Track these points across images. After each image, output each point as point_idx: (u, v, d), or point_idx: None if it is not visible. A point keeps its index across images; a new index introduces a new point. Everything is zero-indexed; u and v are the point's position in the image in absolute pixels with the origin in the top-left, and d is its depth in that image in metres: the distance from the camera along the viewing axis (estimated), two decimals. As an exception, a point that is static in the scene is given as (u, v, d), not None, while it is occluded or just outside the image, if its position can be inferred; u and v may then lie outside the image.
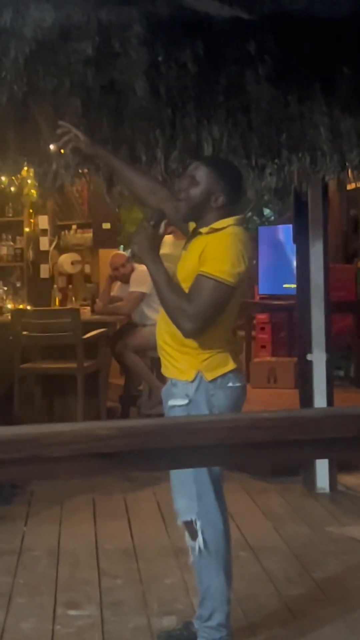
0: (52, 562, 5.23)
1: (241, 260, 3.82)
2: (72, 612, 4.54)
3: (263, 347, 10.68)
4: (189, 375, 3.88)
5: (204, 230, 3.88)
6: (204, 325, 3.79)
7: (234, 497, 6.20)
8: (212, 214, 3.89)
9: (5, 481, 5.91)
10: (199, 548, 3.89)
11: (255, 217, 13.15)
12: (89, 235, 11.29)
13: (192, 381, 3.87)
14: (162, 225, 3.97)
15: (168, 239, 6.53)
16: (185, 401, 3.87)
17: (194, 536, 3.91)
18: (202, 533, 3.89)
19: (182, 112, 5.13)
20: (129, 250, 4.07)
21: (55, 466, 1.59)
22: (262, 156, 5.15)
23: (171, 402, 3.95)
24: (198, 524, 3.89)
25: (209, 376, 3.88)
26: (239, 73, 5.29)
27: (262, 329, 10.74)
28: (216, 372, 3.89)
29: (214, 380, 3.88)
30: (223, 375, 3.90)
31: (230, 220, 3.90)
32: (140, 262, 4.00)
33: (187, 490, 3.91)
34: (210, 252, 3.80)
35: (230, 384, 3.92)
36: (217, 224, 3.87)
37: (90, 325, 8.04)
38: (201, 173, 3.91)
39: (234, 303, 3.92)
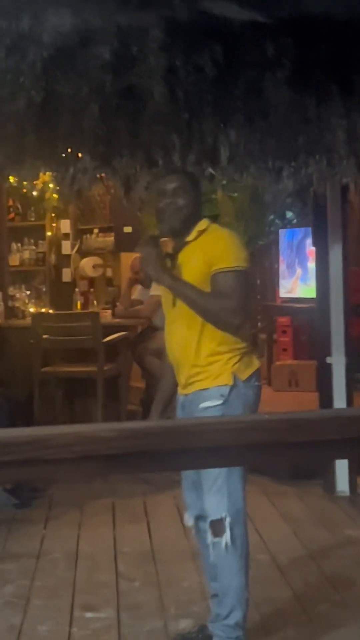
0: (71, 565, 5.26)
1: (242, 245, 4.06)
2: (88, 615, 4.56)
3: (284, 350, 10.67)
4: (226, 379, 3.94)
5: (191, 237, 4.02)
6: (245, 314, 3.98)
7: (254, 500, 6.19)
8: (194, 220, 4.05)
9: (21, 484, 5.95)
10: (226, 545, 3.89)
11: (277, 220, 13.11)
12: (110, 239, 11.33)
13: (231, 384, 3.93)
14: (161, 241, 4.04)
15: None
16: (220, 401, 3.91)
17: (220, 533, 3.89)
18: (231, 530, 3.90)
19: (199, 116, 5.13)
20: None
21: (55, 468, 1.60)
22: (278, 159, 5.15)
23: (204, 405, 3.95)
24: (228, 520, 3.89)
25: (243, 376, 3.97)
26: (256, 77, 5.28)
27: (284, 332, 10.73)
28: (248, 371, 4.00)
29: (247, 379, 3.97)
30: (252, 374, 4.01)
31: (207, 220, 4.09)
32: (159, 283, 4.05)
33: (217, 487, 3.91)
34: (215, 250, 3.95)
35: (256, 383, 4.05)
36: (199, 226, 4.03)
37: (110, 329, 8.06)
38: (181, 184, 4.10)
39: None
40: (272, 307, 11.24)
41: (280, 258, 11.12)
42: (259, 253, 11.90)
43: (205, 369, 3.96)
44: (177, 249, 4.06)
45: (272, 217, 12.81)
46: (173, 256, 4.06)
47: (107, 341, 7.78)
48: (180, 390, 4.14)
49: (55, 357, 8.11)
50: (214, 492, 3.93)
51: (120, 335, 8.09)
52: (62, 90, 5.12)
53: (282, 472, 6.71)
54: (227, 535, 3.89)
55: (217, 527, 3.93)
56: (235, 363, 3.96)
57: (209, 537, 3.97)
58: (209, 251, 3.93)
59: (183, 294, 3.95)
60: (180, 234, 4.05)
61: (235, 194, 12.17)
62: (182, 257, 4.03)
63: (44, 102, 5.08)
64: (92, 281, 11.14)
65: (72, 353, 8.01)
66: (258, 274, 11.85)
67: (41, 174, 6.21)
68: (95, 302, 10.10)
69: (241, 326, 3.95)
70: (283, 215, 13.14)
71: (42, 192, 10.89)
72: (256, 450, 1.70)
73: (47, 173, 5.63)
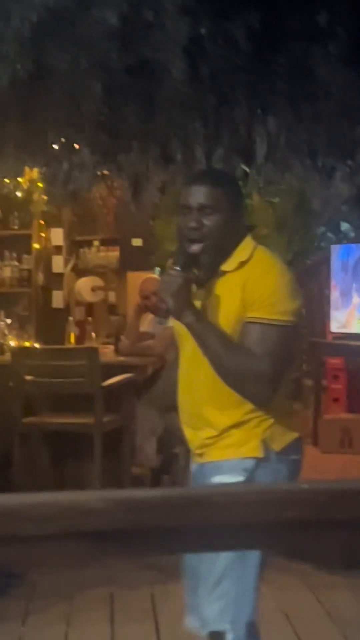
0: (56, 674, 5.26)
1: (295, 289, 3.83)
2: None
3: (336, 400, 10.66)
4: (253, 449, 3.79)
5: (229, 266, 3.79)
6: (280, 384, 3.76)
7: (293, 593, 6.21)
8: (232, 244, 3.80)
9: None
10: None
11: (329, 234, 13.13)
12: (114, 254, 11.40)
13: (260, 456, 3.78)
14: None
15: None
16: (241, 477, 3.73)
17: None
18: None
19: (229, 99, 5.18)
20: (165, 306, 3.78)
21: (33, 548, 1.60)
22: (331, 155, 5.18)
23: (218, 479, 3.78)
24: (231, 636, 3.76)
25: (278, 445, 3.82)
26: (303, 51, 5.33)
27: (336, 377, 10.72)
28: (284, 439, 3.85)
29: (282, 450, 3.83)
30: (290, 444, 3.86)
31: (249, 242, 3.85)
32: (178, 319, 3.78)
33: (222, 591, 3.76)
34: (257, 289, 3.71)
35: (293, 456, 3.90)
36: (241, 255, 3.80)
37: (112, 369, 8.07)
38: (211, 197, 3.77)
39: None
40: (320, 345, 11.23)
41: (332, 282, 11.13)
42: (305, 275, 11.93)
43: (226, 433, 3.82)
44: (209, 280, 3.84)
45: (322, 229, 12.84)
46: (204, 288, 3.85)
47: (108, 385, 7.80)
48: (192, 457, 4.00)
49: (42, 405, 8.12)
50: (217, 596, 3.77)
51: (125, 378, 8.11)
52: (56, 64, 5.17)
53: (330, 558, 6.69)
54: None
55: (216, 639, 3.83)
56: (268, 428, 3.80)
57: None
58: (250, 288, 3.71)
59: (205, 342, 3.72)
60: (208, 267, 3.80)
61: (276, 200, 12.21)
62: (216, 292, 3.81)
63: (32, 79, 5.13)
64: (90, 308, 11.19)
65: (62, 400, 8.01)
66: (304, 302, 11.87)
67: (27, 170, 6.27)
68: (93, 334, 10.13)
69: (271, 400, 3.74)
70: (336, 227, 13.16)
71: (29, 193, 10.96)
72: (291, 529, 1.69)
73: (35, 169, 5.68)
